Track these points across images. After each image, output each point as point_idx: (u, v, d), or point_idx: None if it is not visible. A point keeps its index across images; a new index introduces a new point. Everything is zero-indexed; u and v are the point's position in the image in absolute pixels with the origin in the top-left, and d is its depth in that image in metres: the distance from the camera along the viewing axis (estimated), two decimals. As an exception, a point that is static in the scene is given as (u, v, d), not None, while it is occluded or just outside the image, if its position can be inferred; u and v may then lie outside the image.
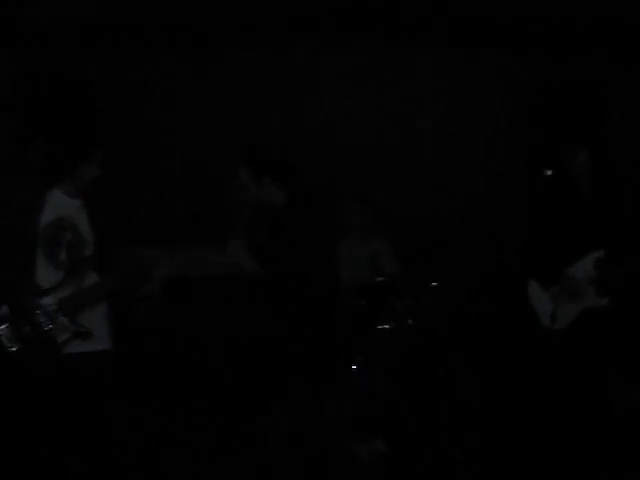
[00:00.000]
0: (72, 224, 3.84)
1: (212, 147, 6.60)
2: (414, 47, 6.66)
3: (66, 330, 3.73)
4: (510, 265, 5.92)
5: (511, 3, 6.32)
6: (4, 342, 3.67)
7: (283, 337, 4.12)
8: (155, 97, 6.70)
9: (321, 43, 6.61)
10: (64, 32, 6.38)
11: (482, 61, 6.78)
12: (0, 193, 3.96)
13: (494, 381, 5.47)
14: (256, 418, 4.70)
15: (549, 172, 5.07)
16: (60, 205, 3.85)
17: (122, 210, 4.09)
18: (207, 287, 5.94)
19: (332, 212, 5.84)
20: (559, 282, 4.76)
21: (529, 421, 4.98)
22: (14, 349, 3.67)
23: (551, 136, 6.37)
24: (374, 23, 6.48)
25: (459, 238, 6.32)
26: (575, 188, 4.81)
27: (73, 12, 6.14)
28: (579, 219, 4.75)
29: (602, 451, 4.48)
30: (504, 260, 6.18)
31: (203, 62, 6.73)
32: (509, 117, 6.80)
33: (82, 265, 3.84)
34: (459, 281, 5.91)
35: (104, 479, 3.86)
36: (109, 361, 3.91)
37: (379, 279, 5.47)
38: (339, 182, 6.41)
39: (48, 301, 3.73)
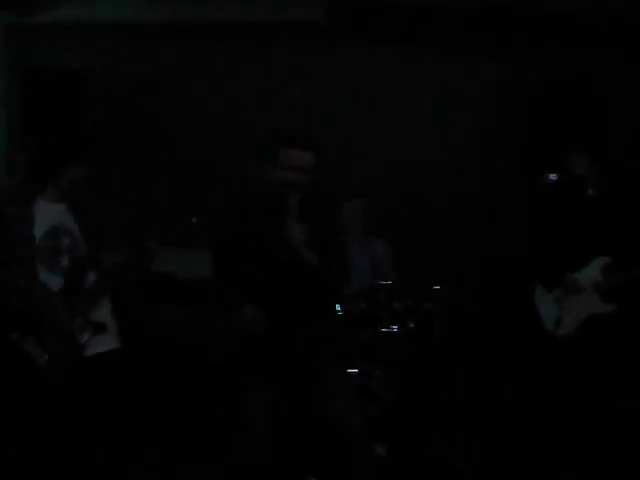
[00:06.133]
0: (67, 229, 3.84)
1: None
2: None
3: (86, 330, 3.75)
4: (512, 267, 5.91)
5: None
6: (32, 355, 3.64)
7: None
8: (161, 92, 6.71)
9: (321, 43, 6.60)
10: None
11: (482, 60, 6.74)
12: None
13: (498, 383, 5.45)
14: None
15: (553, 176, 5.03)
16: (49, 214, 3.81)
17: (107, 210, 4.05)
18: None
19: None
20: (563, 284, 4.74)
21: (530, 422, 4.96)
22: (43, 361, 3.65)
23: (552, 136, 6.36)
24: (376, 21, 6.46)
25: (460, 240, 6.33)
26: (581, 191, 4.79)
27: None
28: (585, 223, 4.74)
29: (601, 453, 4.49)
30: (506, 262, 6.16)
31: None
32: (510, 116, 6.75)
33: (83, 266, 3.84)
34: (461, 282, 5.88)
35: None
36: (120, 361, 3.94)
37: (380, 282, 5.43)
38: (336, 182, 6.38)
39: (62, 306, 3.72)
